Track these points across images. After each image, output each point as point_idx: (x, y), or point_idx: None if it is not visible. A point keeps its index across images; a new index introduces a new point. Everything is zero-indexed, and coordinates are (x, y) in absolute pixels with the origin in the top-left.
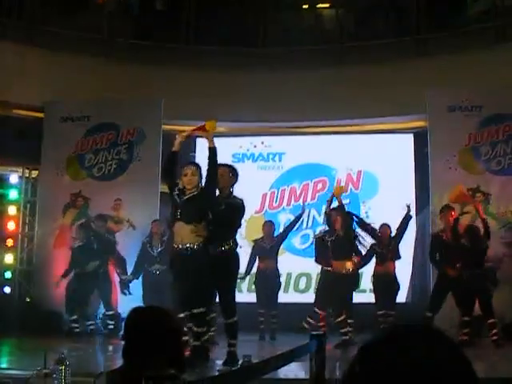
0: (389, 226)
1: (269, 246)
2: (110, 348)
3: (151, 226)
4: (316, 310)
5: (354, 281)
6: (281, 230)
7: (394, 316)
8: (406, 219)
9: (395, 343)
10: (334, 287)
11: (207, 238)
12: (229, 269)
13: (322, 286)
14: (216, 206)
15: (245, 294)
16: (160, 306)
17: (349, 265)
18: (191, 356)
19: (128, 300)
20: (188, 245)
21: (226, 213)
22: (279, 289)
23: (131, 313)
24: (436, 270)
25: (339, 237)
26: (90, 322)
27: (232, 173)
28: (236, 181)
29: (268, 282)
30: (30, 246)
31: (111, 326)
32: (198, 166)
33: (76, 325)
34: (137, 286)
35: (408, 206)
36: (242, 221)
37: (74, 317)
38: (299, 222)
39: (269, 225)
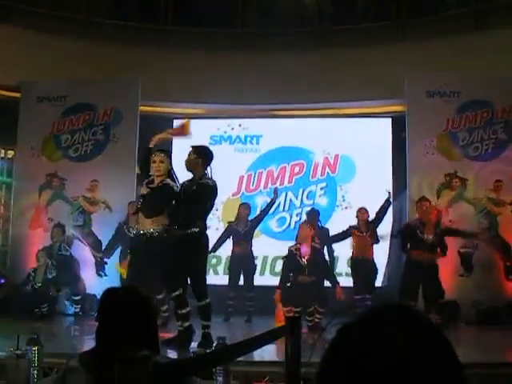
0: (366, 210)
1: (243, 231)
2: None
3: (128, 208)
4: None
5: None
6: (257, 213)
7: (371, 300)
8: (386, 205)
9: (372, 323)
10: None
11: (172, 220)
12: (198, 250)
13: None
14: (188, 187)
15: (221, 277)
16: (137, 286)
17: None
18: (180, 337)
19: (105, 282)
20: (147, 231)
21: (196, 194)
22: (254, 272)
23: (104, 294)
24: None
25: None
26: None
27: (198, 155)
28: (206, 162)
29: (243, 265)
30: (6, 227)
31: (77, 310)
32: (166, 153)
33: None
34: (113, 267)
35: (388, 193)
36: (219, 203)
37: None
38: (273, 206)
39: (245, 207)
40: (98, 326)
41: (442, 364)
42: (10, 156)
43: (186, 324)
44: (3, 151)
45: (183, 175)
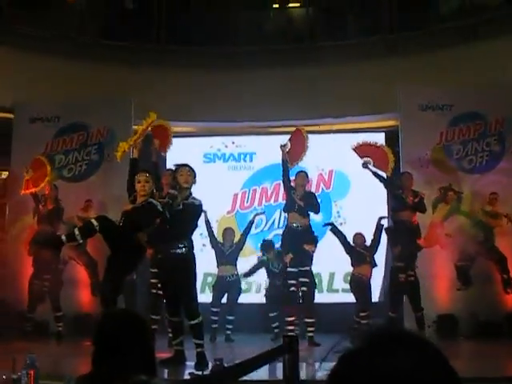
0: (362, 235)
1: (227, 253)
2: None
3: None
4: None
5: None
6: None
7: (370, 317)
8: (379, 230)
9: (378, 352)
10: None
11: (156, 240)
12: (187, 270)
13: None
14: (173, 206)
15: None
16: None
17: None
18: (176, 358)
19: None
20: None
21: (182, 213)
22: (239, 295)
23: (102, 317)
24: None
25: None
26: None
27: (192, 174)
28: (195, 182)
29: (227, 289)
30: (1, 248)
31: (60, 329)
32: (151, 173)
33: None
34: None
35: (380, 218)
36: (214, 221)
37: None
38: (252, 227)
39: (229, 233)
40: (95, 349)
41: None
42: (4, 177)
43: (178, 348)
44: None
45: None
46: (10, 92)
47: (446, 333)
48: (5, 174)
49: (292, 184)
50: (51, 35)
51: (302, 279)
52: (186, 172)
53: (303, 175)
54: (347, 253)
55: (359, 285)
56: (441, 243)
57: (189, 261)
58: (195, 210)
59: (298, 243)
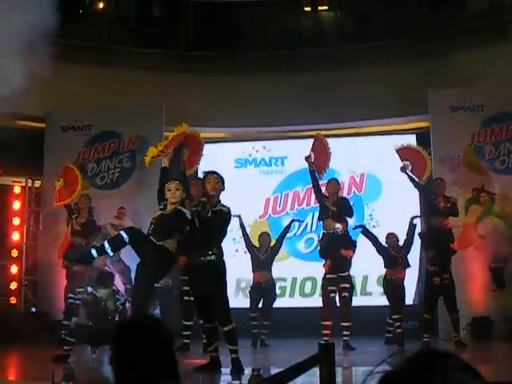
0: (395, 235)
1: (262, 258)
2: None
3: None
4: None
5: None
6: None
7: (401, 319)
8: (411, 230)
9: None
10: None
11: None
12: (217, 277)
13: None
14: (202, 214)
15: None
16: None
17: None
18: (212, 364)
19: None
20: None
21: (211, 221)
22: (274, 301)
23: (120, 327)
24: None
25: None
26: None
27: (220, 181)
28: (223, 189)
29: (263, 294)
30: (35, 257)
31: None
32: (181, 182)
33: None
34: None
35: (412, 218)
36: (246, 226)
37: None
38: (288, 232)
39: (265, 237)
40: (116, 362)
41: None
42: (37, 186)
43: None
44: (30, 181)
45: None
46: (42, 101)
47: (481, 335)
48: (38, 183)
49: (325, 192)
50: (82, 44)
51: (342, 285)
52: (213, 179)
53: (335, 183)
54: (379, 253)
55: (392, 287)
56: (474, 245)
57: (218, 268)
58: (224, 217)
59: (336, 249)
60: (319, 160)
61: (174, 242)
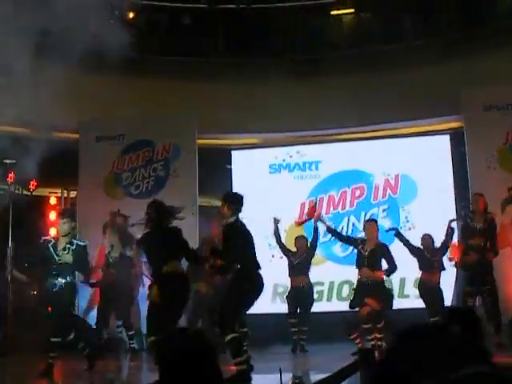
0: (430, 237)
1: (295, 262)
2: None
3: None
4: None
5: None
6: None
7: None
8: (449, 234)
9: None
10: None
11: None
12: (230, 285)
13: None
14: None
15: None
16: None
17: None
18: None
19: None
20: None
21: (223, 235)
22: (312, 305)
23: (163, 341)
24: None
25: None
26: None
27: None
28: (236, 207)
29: (300, 299)
30: None
31: (133, 345)
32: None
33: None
34: None
35: (450, 221)
36: (282, 230)
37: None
38: (318, 233)
39: (300, 240)
40: (160, 375)
41: None
42: (72, 196)
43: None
44: (66, 192)
45: None
46: (76, 112)
47: None
48: (73, 194)
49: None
50: (113, 54)
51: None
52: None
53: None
54: (414, 255)
55: (428, 290)
56: (511, 245)
57: (233, 277)
58: (231, 229)
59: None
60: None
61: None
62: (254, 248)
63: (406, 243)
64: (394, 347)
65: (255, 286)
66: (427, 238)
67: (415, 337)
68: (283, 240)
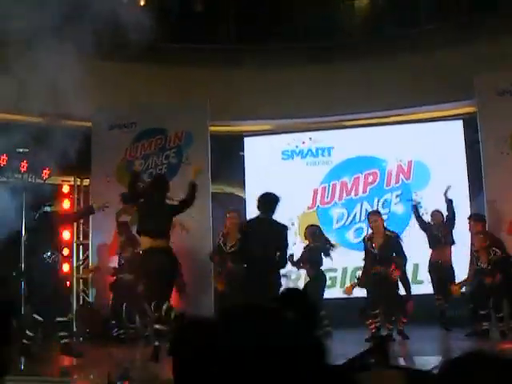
0: (440, 212)
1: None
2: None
3: (226, 220)
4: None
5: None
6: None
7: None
8: (449, 204)
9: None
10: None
11: None
12: None
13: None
14: None
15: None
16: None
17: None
18: None
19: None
20: None
21: None
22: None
23: (180, 330)
24: None
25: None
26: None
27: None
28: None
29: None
30: (86, 255)
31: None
32: None
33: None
34: None
35: (445, 192)
36: (295, 217)
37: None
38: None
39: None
40: (175, 370)
41: None
42: (85, 184)
43: None
44: (79, 180)
45: None
46: (88, 100)
47: None
48: (86, 182)
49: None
50: (124, 41)
51: None
52: None
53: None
54: (423, 229)
55: (435, 267)
56: None
57: None
58: None
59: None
60: None
61: None
62: None
63: (418, 218)
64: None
65: None
66: (437, 214)
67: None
68: (296, 226)
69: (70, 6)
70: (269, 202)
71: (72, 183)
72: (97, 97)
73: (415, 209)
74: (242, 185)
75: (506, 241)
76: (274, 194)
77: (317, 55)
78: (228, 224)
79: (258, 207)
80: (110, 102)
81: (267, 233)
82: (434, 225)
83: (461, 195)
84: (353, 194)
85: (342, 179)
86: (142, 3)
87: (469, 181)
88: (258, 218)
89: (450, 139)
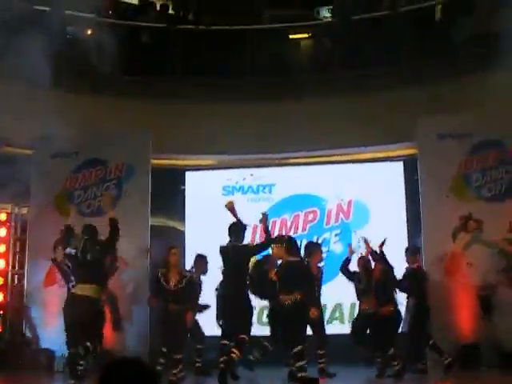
0: (363, 258)
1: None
2: None
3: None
4: None
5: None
6: None
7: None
8: (381, 256)
9: None
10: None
11: None
12: None
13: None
14: None
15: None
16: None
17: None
18: None
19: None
20: None
21: None
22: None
23: (105, 369)
24: None
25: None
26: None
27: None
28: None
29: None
30: (21, 285)
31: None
32: None
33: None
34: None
35: (382, 242)
36: None
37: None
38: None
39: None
40: None
41: None
42: (24, 212)
43: None
44: (17, 208)
45: None
46: (29, 128)
47: (469, 363)
48: (25, 210)
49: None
50: (70, 70)
51: None
52: None
53: None
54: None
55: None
56: (462, 273)
57: None
58: None
59: None
60: None
61: None
62: None
63: (345, 270)
64: None
65: None
66: (362, 260)
67: None
68: None
69: (15, 34)
70: (240, 230)
71: (9, 211)
72: (40, 125)
73: (346, 261)
74: (183, 219)
75: (443, 281)
76: (242, 223)
77: (263, 91)
78: (172, 261)
79: (230, 235)
80: (53, 130)
81: (241, 257)
82: (359, 273)
83: (399, 236)
84: (292, 231)
85: (282, 216)
86: (88, 33)
87: (408, 222)
88: (231, 244)
89: (391, 180)
